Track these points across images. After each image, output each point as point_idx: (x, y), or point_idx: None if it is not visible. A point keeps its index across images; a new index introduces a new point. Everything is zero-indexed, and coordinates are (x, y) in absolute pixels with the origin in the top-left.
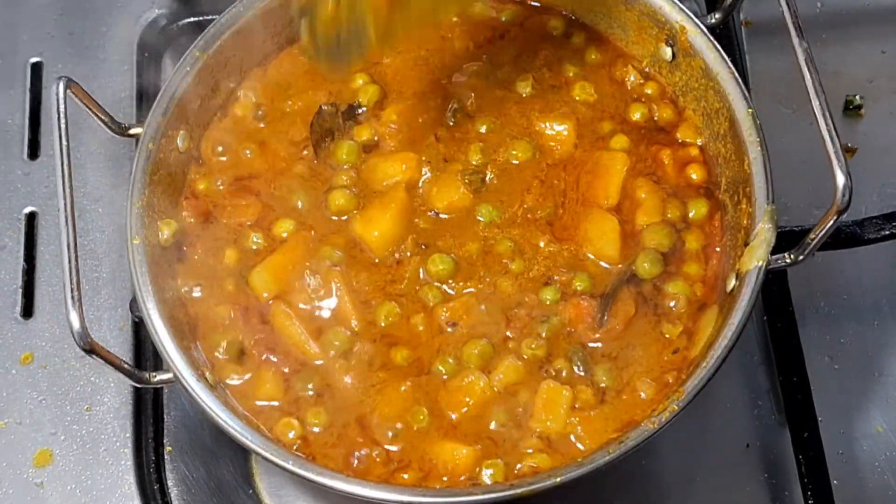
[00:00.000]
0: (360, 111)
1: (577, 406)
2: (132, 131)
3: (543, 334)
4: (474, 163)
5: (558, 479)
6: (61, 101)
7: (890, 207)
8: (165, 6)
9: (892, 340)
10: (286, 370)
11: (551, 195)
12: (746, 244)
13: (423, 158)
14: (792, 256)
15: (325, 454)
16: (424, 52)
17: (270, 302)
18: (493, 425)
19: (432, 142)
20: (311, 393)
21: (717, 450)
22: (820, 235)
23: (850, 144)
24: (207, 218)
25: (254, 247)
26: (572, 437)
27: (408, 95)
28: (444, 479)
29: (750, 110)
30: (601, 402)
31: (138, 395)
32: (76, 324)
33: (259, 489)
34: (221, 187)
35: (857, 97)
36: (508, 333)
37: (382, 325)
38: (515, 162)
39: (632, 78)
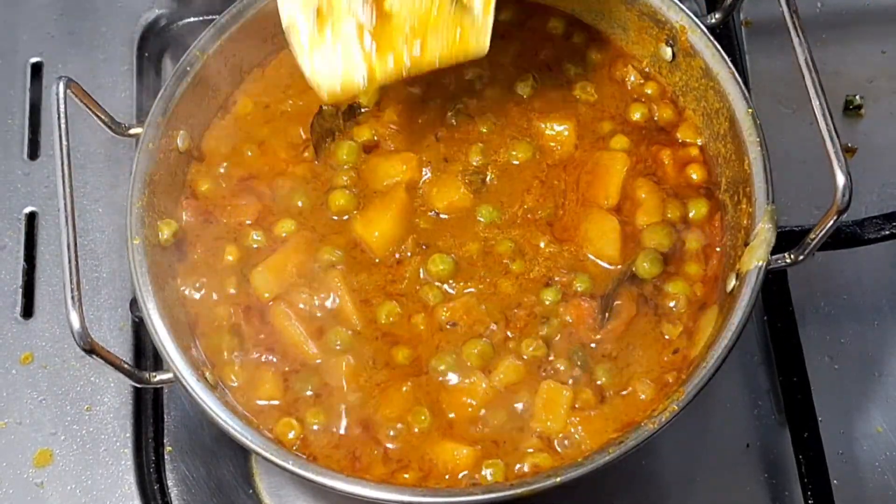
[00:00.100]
0: (360, 111)
1: (577, 406)
2: (132, 131)
3: (544, 334)
4: (475, 163)
5: (558, 479)
6: (61, 101)
7: (890, 207)
8: (165, 6)
9: (892, 340)
10: (286, 370)
11: (551, 195)
12: (746, 244)
13: (424, 159)
14: (792, 256)
15: (325, 454)
16: None
17: (271, 302)
18: (493, 425)
19: (432, 142)
20: (311, 393)
21: (717, 450)
22: (820, 235)
23: (850, 144)
24: (208, 218)
25: (254, 246)
26: (572, 437)
27: (408, 96)
28: (446, 477)
29: (750, 110)
30: (601, 402)
31: (138, 395)
32: (76, 324)
33: (259, 489)
34: (222, 187)
35: (857, 97)
36: (509, 333)
37: (383, 324)
38: (516, 162)
39: (632, 78)
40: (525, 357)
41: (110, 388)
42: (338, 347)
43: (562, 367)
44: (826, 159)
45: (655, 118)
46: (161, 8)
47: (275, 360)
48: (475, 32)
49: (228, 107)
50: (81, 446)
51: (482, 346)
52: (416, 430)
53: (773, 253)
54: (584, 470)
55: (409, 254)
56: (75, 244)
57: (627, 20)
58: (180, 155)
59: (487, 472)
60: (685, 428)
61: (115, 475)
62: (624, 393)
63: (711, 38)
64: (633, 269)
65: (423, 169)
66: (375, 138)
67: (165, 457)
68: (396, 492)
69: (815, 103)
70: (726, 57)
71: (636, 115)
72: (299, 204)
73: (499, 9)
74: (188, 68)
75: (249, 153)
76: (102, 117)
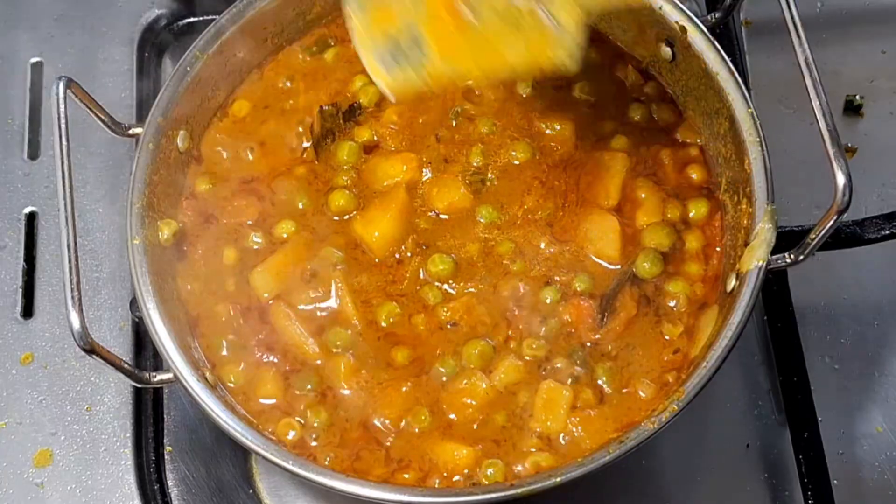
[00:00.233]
0: (360, 111)
1: (577, 406)
2: (132, 131)
3: (544, 334)
4: (475, 164)
5: (558, 479)
6: (61, 101)
7: (890, 207)
8: (165, 6)
9: (892, 340)
10: (286, 370)
11: (552, 196)
12: (746, 244)
13: (424, 159)
14: (792, 256)
15: (325, 454)
16: None
17: (271, 302)
18: (493, 425)
19: (433, 142)
20: (311, 393)
21: (717, 450)
22: (820, 235)
23: (850, 144)
24: (208, 218)
25: (254, 247)
26: (572, 437)
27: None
28: (444, 476)
29: (750, 110)
30: (601, 402)
31: (138, 395)
32: (76, 324)
33: (259, 489)
34: (222, 187)
35: (857, 97)
36: (509, 333)
37: (383, 324)
38: (516, 163)
39: (632, 78)
40: (525, 357)
41: (110, 388)
42: (338, 348)
43: (562, 367)
44: (826, 159)
45: (655, 118)
46: (161, 8)
47: (275, 360)
48: (563, 49)
49: (228, 107)
50: (81, 446)
51: (482, 346)
52: (417, 430)
53: (773, 253)
54: (584, 470)
55: (409, 254)
56: (75, 244)
57: (627, 20)
58: (180, 155)
59: (487, 473)
60: (685, 428)
61: (115, 475)
62: (624, 393)
63: (711, 38)
64: (634, 269)
65: (424, 169)
66: (375, 138)
67: (165, 457)
68: (396, 492)
69: (815, 103)
70: (726, 57)
71: (636, 115)
72: (299, 204)
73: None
74: (188, 68)
75: (249, 153)
76: (102, 117)
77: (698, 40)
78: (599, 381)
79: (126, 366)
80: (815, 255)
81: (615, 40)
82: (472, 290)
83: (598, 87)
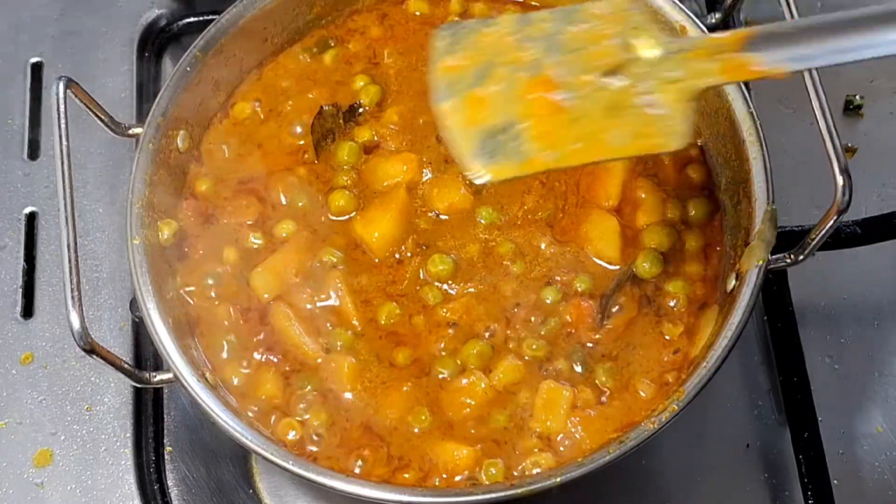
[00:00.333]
0: (360, 112)
1: (577, 406)
2: (132, 131)
3: (544, 334)
4: None
5: (558, 479)
6: (61, 101)
7: (890, 207)
8: (165, 6)
9: (892, 340)
10: (286, 370)
11: (552, 197)
12: (746, 244)
13: (424, 159)
14: (792, 256)
15: (325, 454)
16: (425, 52)
17: (271, 302)
18: (493, 425)
19: (433, 143)
20: (311, 393)
21: (717, 450)
22: (820, 235)
23: (850, 144)
24: (208, 218)
25: (254, 247)
26: (572, 437)
27: (409, 96)
28: (444, 477)
29: (750, 110)
30: (601, 402)
31: (138, 395)
32: (76, 324)
33: (259, 489)
34: (222, 187)
35: (857, 97)
36: (509, 333)
37: (383, 325)
38: None
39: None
40: (525, 357)
41: (110, 388)
42: (338, 348)
43: (562, 367)
44: (826, 159)
45: None
46: (161, 8)
47: (275, 360)
48: (670, 132)
49: (228, 107)
50: (81, 446)
51: (482, 346)
52: (417, 430)
53: (773, 253)
54: (584, 470)
55: (409, 254)
56: (75, 244)
57: None
58: (180, 155)
59: (487, 472)
60: (685, 428)
61: (115, 475)
62: (624, 393)
63: None
64: (634, 269)
65: (424, 170)
66: (376, 139)
67: (165, 457)
68: (396, 492)
69: (815, 103)
70: None
71: None
72: (299, 204)
73: None
74: (188, 68)
75: (249, 154)
76: (102, 117)
77: None
78: (599, 382)
79: (126, 366)
80: (815, 255)
81: None
82: (471, 290)
83: None
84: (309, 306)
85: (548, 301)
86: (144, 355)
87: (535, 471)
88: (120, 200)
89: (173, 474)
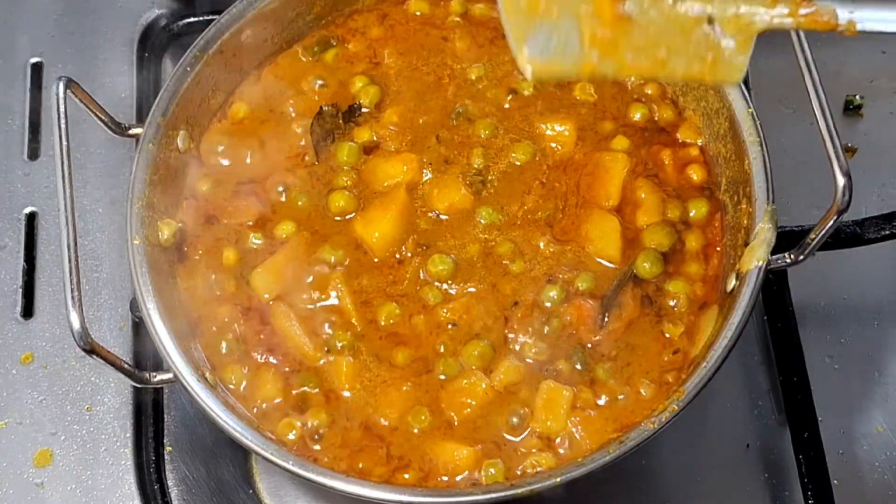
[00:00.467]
0: (360, 112)
1: (577, 406)
2: (132, 131)
3: (544, 334)
4: (475, 164)
5: (558, 479)
6: (61, 101)
7: (890, 207)
8: (165, 6)
9: (892, 340)
10: (286, 370)
11: (552, 197)
12: (746, 244)
13: (424, 160)
14: (792, 256)
15: (325, 454)
16: (425, 52)
17: (271, 302)
18: (493, 426)
19: (433, 143)
20: (311, 393)
21: (717, 450)
22: (820, 235)
23: (850, 144)
24: (208, 218)
25: (254, 247)
26: (573, 437)
27: (409, 96)
28: (444, 478)
29: (750, 110)
30: (601, 402)
31: (138, 395)
32: (76, 324)
33: (259, 489)
34: (222, 188)
35: (857, 97)
36: (509, 334)
37: (383, 325)
38: (516, 163)
39: (632, 78)
40: (525, 357)
41: (110, 388)
42: (338, 348)
43: (562, 367)
44: (826, 159)
45: (656, 118)
46: (161, 8)
47: (275, 360)
48: (726, 65)
49: (228, 107)
50: (81, 446)
51: (482, 346)
52: (417, 430)
53: (773, 253)
54: (584, 470)
55: (409, 254)
56: (75, 244)
57: None
58: (180, 155)
59: (487, 473)
60: (685, 428)
61: (115, 475)
62: (624, 393)
63: None
64: (634, 269)
65: (424, 170)
66: (375, 139)
67: (165, 457)
68: (396, 492)
69: (815, 103)
70: None
71: (636, 115)
72: (299, 205)
73: None
74: (188, 68)
75: (249, 154)
76: (102, 117)
77: None
78: (599, 381)
79: (126, 366)
80: (815, 255)
81: None
82: (471, 290)
83: (599, 88)
84: (309, 306)
85: (548, 302)
86: (144, 355)
87: (535, 471)
88: (120, 200)
89: (173, 474)
